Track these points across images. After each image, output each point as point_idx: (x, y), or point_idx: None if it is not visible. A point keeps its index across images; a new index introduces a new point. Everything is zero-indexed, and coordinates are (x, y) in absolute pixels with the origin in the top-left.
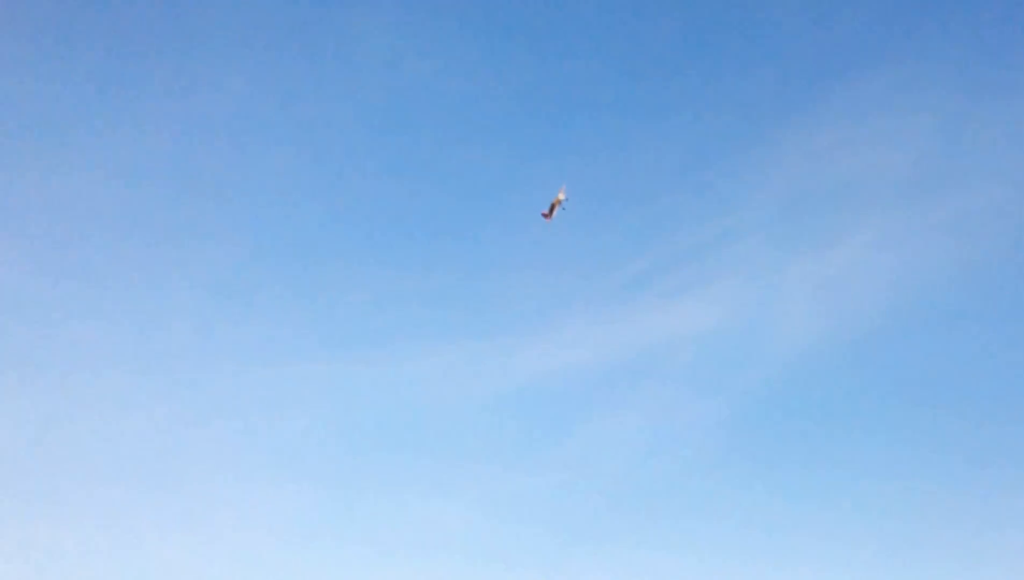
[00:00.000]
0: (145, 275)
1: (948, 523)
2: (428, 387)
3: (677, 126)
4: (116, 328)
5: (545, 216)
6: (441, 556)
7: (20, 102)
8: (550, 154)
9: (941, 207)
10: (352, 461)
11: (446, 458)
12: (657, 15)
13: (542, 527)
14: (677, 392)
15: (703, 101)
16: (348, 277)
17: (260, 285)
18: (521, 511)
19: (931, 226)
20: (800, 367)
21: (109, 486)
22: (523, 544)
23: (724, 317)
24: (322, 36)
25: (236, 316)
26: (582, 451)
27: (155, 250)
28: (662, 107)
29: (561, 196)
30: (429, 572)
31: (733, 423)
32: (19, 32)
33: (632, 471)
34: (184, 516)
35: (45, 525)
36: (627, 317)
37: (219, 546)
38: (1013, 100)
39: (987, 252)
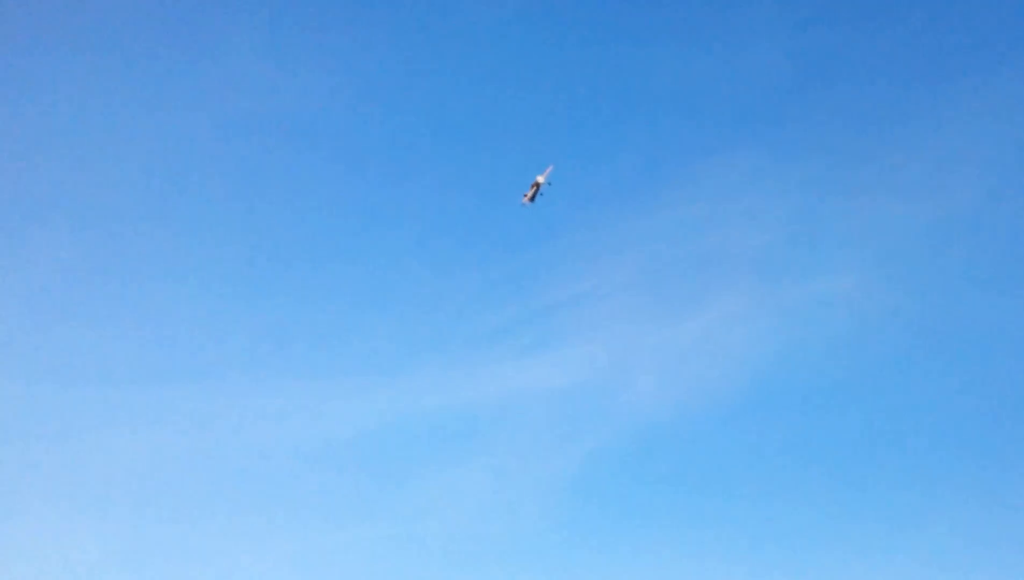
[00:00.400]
0: None
1: None
2: (260, 425)
3: (549, 187)
4: None
5: (527, 198)
6: None
7: None
8: (413, 196)
9: (791, 290)
10: (161, 501)
11: (272, 504)
12: (540, 83)
13: None
14: (525, 448)
15: (574, 165)
16: (178, 299)
17: (77, 301)
18: (352, 564)
19: (781, 308)
20: (648, 433)
21: None
22: None
23: (578, 377)
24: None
25: (45, 333)
26: (422, 502)
27: None
28: (534, 166)
29: (541, 179)
30: None
31: (579, 483)
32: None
33: (474, 525)
34: None
35: None
36: (482, 368)
37: None
38: (859, 200)
39: (828, 337)
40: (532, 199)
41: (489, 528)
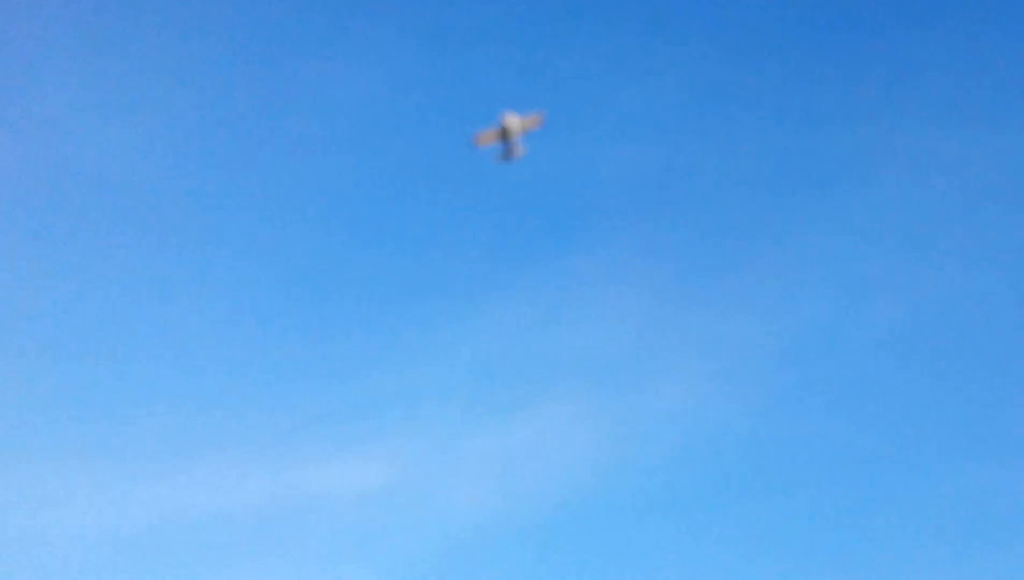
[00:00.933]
0: None
1: None
2: (12, 515)
3: (374, 268)
4: None
5: (492, 138)
6: None
7: None
8: (225, 263)
9: (626, 400)
10: None
11: None
12: (381, 165)
13: None
14: (324, 554)
15: (414, 254)
16: None
17: None
18: None
19: (614, 418)
20: (468, 541)
21: None
22: None
23: (394, 478)
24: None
25: None
26: None
27: None
28: (364, 245)
29: (516, 124)
30: None
31: None
32: None
33: None
34: None
35: None
36: (284, 463)
37: None
38: (703, 312)
39: (657, 452)
40: (509, 155)
41: None
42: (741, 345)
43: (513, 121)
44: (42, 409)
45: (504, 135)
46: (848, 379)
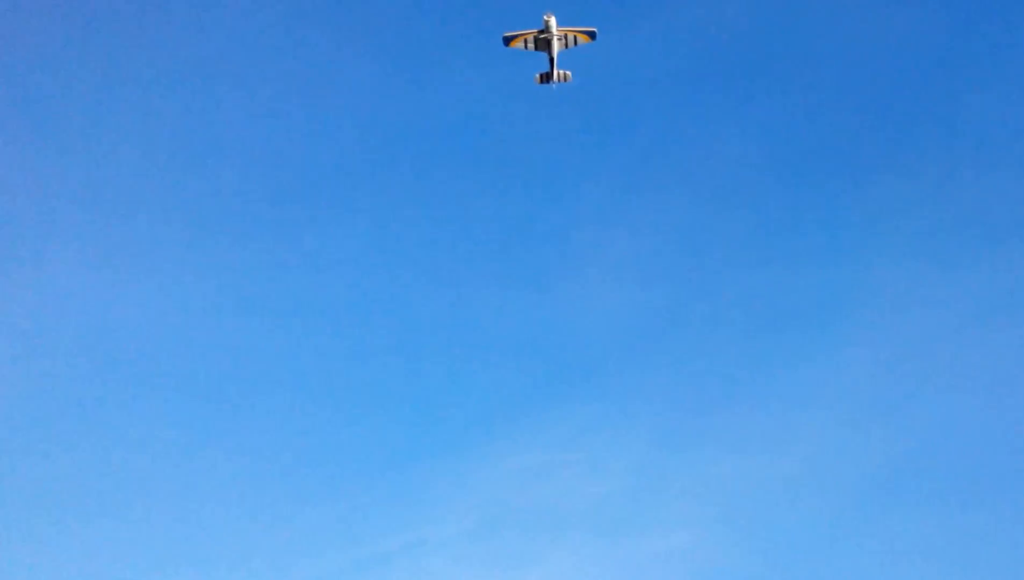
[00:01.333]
0: None
1: None
2: None
3: (373, 427)
4: None
5: (544, 51)
6: None
7: None
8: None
9: (627, 546)
10: None
11: None
12: (376, 329)
13: None
14: None
15: (407, 412)
16: None
17: None
18: None
19: (617, 564)
20: None
21: None
22: None
23: None
24: None
25: None
26: None
27: None
28: (366, 403)
29: (553, 27)
30: None
31: None
32: None
33: None
34: None
35: None
36: None
37: None
38: (700, 453)
39: None
40: (551, 76)
41: None
42: (739, 484)
43: (554, 24)
44: (46, 573)
45: (542, 41)
46: (846, 513)
